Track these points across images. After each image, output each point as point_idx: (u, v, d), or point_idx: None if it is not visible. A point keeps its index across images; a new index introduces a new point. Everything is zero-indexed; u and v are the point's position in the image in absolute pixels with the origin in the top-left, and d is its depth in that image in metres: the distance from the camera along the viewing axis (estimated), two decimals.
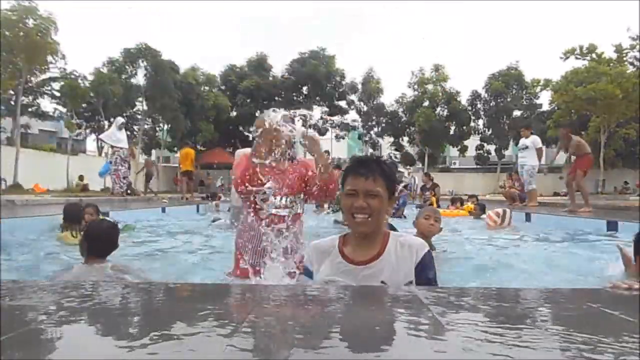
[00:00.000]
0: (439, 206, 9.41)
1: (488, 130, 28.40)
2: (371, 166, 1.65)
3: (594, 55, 21.29)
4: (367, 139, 29.91)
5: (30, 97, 24.89)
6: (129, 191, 11.10)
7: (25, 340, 0.85)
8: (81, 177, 18.11)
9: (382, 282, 1.60)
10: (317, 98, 28.53)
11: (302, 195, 2.48)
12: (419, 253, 1.67)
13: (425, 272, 1.66)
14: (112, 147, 11.39)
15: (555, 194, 19.60)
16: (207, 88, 27.30)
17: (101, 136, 11.80)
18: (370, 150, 28.75)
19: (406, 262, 1.64)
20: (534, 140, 9.53)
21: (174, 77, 24.46)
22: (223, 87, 28.24)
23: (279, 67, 28.89)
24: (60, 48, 17.24)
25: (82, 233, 3.90)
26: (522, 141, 9.69)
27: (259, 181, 2.38)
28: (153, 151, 31.58)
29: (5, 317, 1.00)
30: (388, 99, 30.33)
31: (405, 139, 29.82)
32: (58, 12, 25.49)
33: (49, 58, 17.23)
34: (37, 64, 17.33)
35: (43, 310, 1.09)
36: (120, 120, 11.69)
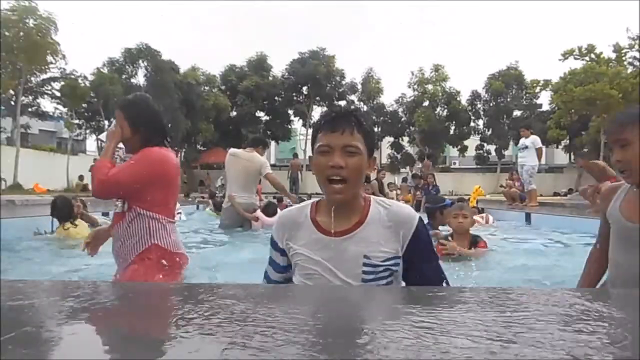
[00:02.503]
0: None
1: (488, 130, 28.39)
2: (347, 119, 1.39)
3: (592, 56, 21.28)
4: None
5: (30, 97, 24.88)
6: None
7: (25, 340, 0.85)
8: (81, 177, 18.11)
9: (365, 255, 1.39)
10: (317, 98, 28.50)
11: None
12: (407, 227, 1.42)
13: (419, 255, 1.43)
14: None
15: (555, 194, 19.60)
16: (207, 88, 27.29)
17: (101, 136, 11.82)
18: None
19: (391, 236, 1.42)
20: (533, 141, 9.52)
21: (174, 77, 24.46)
22: (223, 87, 28.22)
23: (279, 67, 28.91)
24: (61, 48, 17.24)
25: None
26: (522, 141, 9.68)
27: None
28: None
29: (5, 317, 1.00)
30: (388, 99, 30.33)
31: (405, 139, 29.79)
32: (58, 12, 25.42)
33: (49, 58, 17.22)
34: (37, 64, 17.34)
35: (43, 310, 1.09)
36: None
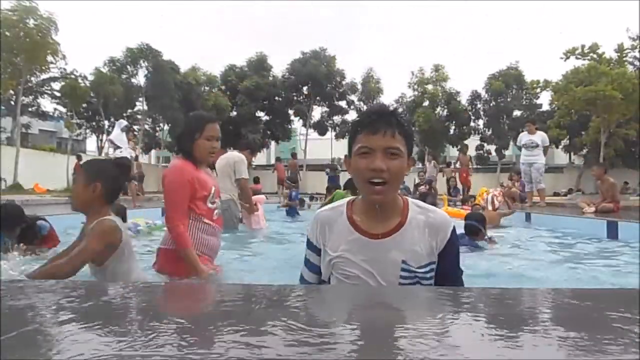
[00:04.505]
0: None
1: (488, 130, 28.37)
2: (389, 120, 1.35)
3: (594, 55, 21.18)
4: None
5: (30, 97, 24.91)
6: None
7: (25, 340, 0.85)
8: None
9: (404, 260, 1.38)
10: (318, 98, 28.48)
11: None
12: (443, 234, 1.42)
13: (449, 260, 1.43)
14: (120, 148, 11.48)
15: (555, 194, 19.60)
16: (207, 88, 27.28)
17: (112, 138, 11.86)
18: None
19: (428, 241, 1.41)
20: (543, 138, 9.26)
21: (174, 77, 24.45)
22: (223, 87, 28.21)
23: (279, 67, 28.91)
24: (61, 48, 17.24)
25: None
26: (530, 138, 9.23)
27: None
28: (153, 151, 31.52)
29: (5, 317, 1.00)
30: (388, 99, 30.34)
31: None
32: (58, 12, 25.43)
33: (49, 58, 17.22)
34: (37, 64, 17.34)
35: (43, 310, 1.09)
36: (124, 122, 11.78)
